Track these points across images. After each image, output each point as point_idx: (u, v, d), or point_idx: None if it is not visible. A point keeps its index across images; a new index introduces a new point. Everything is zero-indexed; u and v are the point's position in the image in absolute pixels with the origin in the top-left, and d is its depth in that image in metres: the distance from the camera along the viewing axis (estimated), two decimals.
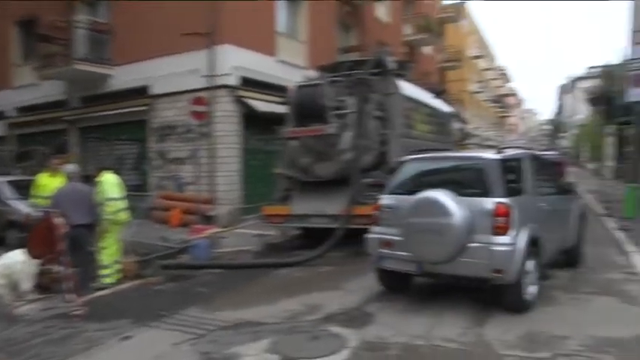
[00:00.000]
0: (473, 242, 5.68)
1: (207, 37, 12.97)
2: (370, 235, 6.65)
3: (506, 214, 5.69)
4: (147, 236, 10.40)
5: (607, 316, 5.72)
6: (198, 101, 12.30)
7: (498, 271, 5.56)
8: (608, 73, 32.96)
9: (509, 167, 6.31)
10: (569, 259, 8.01)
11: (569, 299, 6.38)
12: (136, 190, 13.66)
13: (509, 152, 6.71)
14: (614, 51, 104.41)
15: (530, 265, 5.98)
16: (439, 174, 6.76)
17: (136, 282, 7.80)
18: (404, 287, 6.85)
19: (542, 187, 7.07)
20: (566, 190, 8.18)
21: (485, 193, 5.87)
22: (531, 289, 6.00)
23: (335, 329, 5.41)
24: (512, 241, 5.67)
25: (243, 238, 11.34)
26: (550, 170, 8.22)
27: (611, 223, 11.93)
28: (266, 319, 5.84)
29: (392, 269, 6.47)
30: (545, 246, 6.43)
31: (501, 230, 5.66)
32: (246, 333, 5.40)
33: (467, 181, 6.34)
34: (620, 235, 10.39)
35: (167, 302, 6.70)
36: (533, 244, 6.00)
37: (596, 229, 11.83)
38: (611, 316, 5.72)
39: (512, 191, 6.01)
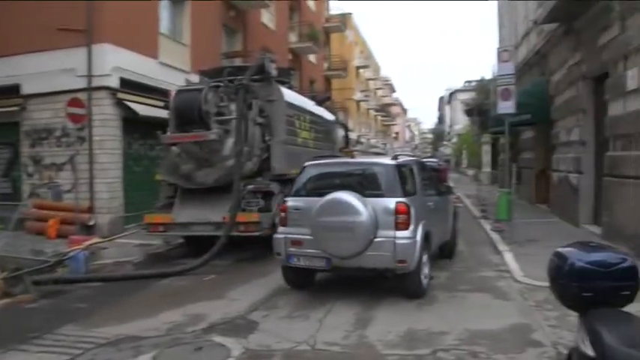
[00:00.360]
0: (378, 237, 6.32)
1: (85, 35, 12.35)
2: (278, 235, 7.09)
3: (406, 212, 6.45)
4: (18, 249, 9.65)
5: (481, 311, 6.15)
6: (74, 103, 11.49)
7: (402, 262, 6.29)
8: (482, 87, 35.56)
9: (403, 171, 7.16)
10: (446, 252, 8.94)
11: (447, 297, 6.79)
12: (5, 199, 12.70)
13: (402, 159, 7.59)
14: (488, 66, 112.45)
15: (425, 255, 6.69)
16: (341, 177, 7.36)
17: (4, 301, 7.14)
18: (308, 283, 7.39)
19: (427, 188, 7.86)
20: (445, 192, 9.17)
21: (386, 194, 6.65)
22: (426, 277, 6.83)
23: (218, 339, 5.37)
24: (412, 235, 6.45)
25: (125, 248, 10.88)
26: (433, 175, 9.16)
27: (487, 225, 12.72)
28: (147, 333, 5.65)
29: (300, 266, 6.89)
30: (433, 239, 7.23)
31: (403, 226, 6.40)
32: (126, 349, 5.20)
33: (368, 183, 6.99)
34: (495, 236, 11.09)
35: (40, 321, 6.23)
36: (426, 237, 6.71)
37: (474, 230, 12.71)
38: (484, 311, 6.16)
39: (408, 192, 6.85)
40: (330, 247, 6.46)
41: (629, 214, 8.52)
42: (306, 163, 7.65)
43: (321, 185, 7.22)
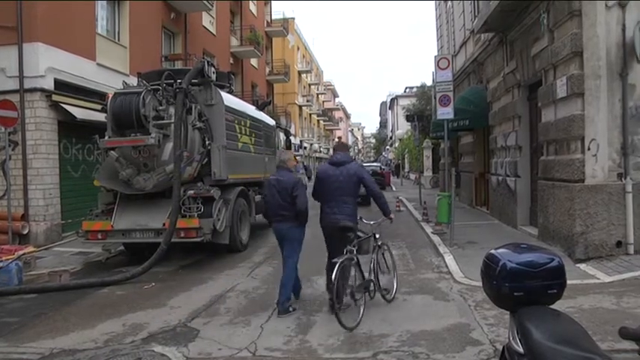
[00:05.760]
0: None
1: (15, 32, 11.83)
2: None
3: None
4: None
5: (422, 313, 6.27)
6: (5, 105, 10.90)
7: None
8: (423, 93, 36.34)
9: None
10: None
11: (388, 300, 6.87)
12: None
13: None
14: (428, 73, 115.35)
15: None
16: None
17: None
18: None
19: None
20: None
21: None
22: None
23: (158, 349, 5.24)
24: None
25: (63, 257, 10.59)
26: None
27: (428, 228, 12.96)
28: (85, 345, 5.46)
29: None
30: None
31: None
32: None
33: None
34: (436, 239, 11.33)
35: None
36: None
37: (416, 233, 12.94)
38: (425, 312, 6.28)
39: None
40: None
41: (561, 215, 8.90)
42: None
43: None
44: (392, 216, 6.64)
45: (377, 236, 6.65)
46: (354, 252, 6.05)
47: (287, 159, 6.87)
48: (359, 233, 6.36)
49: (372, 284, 6.38)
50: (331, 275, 5.63)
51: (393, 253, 7.90)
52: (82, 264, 10.07)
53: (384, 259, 6.87)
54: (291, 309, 6.36)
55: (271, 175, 6.98)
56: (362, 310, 5.96)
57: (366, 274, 6.31)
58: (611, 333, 4.87)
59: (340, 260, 5.71)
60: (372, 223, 6.67)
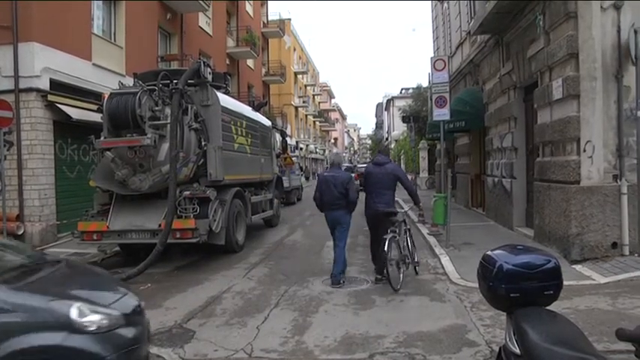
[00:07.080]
0: None
1: (10, 32, 11.78)
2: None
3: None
4: None
5: (418, 314, 6.26)
6: (0, 105, 10.95)
7: None
8: (419, 94, 36.33)
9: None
10: None
11: (384, 302, 6.87)
12: None
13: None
14: (424, 74, 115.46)
15: None
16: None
17: None
18: None
19: None
20: None
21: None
22: None
23: (154, 350, 5.17)
24: None
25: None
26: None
27: (424, 229, 12.92)
28: None
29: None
30: None
31: None
32: None
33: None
34: (432, 240, 11.32)
35: None
36: None
37: (412, 234, 12.94)
38: (421, 313, 6.27)
39: None
40: None
41: (557, 216, 8.92)
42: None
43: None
44: (421, 205, 8.57)
45: (406, 221, 8.33)
46: (396, 232, 7.66)
47: (339, 161, 8.82)
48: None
49: (407, 258, 7.88)
50: (376, 252, 7.82)
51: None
52: None
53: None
54: (342, 281, 7.83)
55: (325, 172, 8.65)
56: (402, 277, 7.53)
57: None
58: (607, 334, 4.88)
59: (387, 238, 7.36)
60: (402, 211, 8.43)
